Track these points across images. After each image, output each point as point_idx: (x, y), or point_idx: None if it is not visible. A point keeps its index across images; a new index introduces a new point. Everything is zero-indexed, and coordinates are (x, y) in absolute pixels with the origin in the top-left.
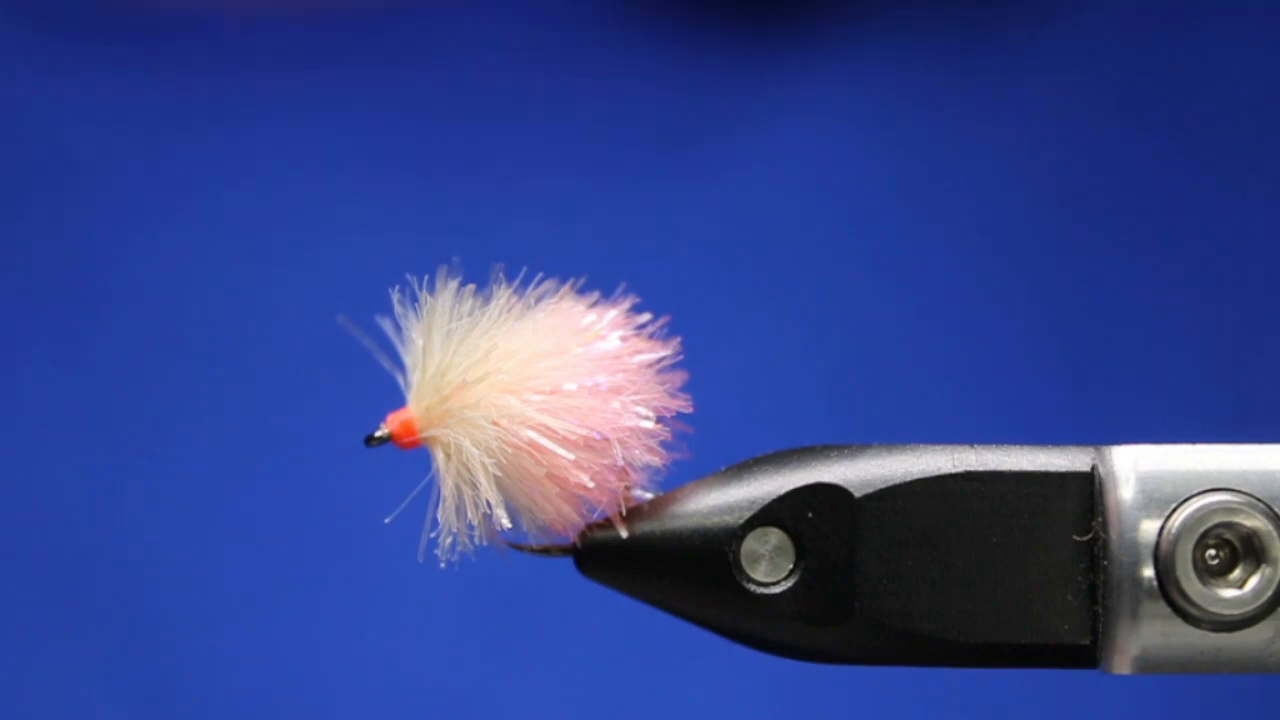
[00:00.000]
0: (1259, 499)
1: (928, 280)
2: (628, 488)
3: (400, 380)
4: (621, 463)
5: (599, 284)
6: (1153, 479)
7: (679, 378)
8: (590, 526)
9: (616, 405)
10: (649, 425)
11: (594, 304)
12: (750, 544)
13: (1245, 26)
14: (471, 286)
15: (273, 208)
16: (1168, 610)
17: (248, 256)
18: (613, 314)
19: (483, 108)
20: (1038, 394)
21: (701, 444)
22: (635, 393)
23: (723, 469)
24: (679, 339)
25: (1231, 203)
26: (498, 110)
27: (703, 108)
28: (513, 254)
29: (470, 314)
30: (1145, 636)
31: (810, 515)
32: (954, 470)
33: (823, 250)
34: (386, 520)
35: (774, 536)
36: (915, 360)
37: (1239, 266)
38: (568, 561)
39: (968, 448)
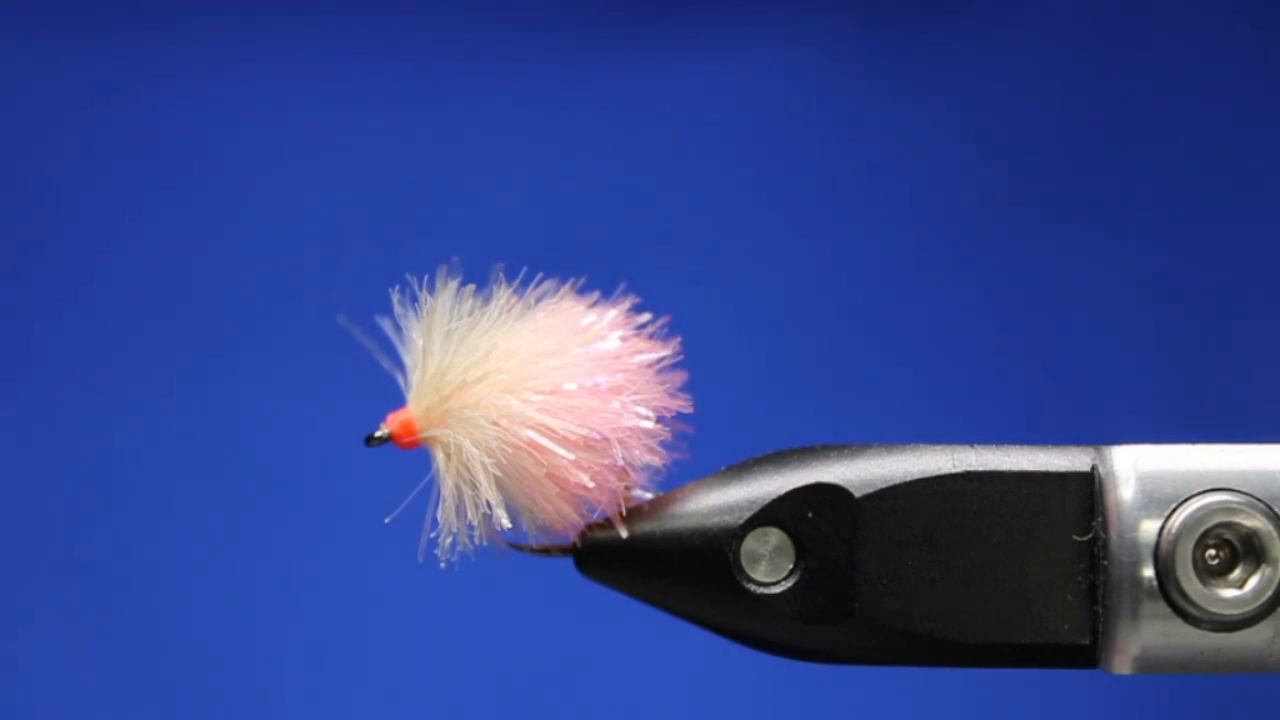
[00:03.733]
0: (1259, 499)
1: (930, 280)
2: (628, 488)
3: (400, 380)
4: (621, 463)
5: (598, 283)
6: (1153, 479)
7: (679, 378)
8: (590, 526)
9: (616, 405)
10: (649, 425)
11: (594, 304)
12: (750, 544)
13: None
14: (471, 286)
15: (271, 206)
16: (1168, 610)
17: (247, 256)
18: (613, 314)
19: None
20: (1038, 394)
21: (701, 444)
22: (635, 393)
23: (723, 469)
24: (679, 339)
25: (1233, 203)
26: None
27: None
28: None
29: (470, 314)
30: (1145, 636)
31: (810, 515)
32: (954, 470)
33: (823, 250)
34: (387, 520)
35: (774, 536)
36: (916, 360)
37: (1241, 267)
38: (568, 561)
39: (968, 448)
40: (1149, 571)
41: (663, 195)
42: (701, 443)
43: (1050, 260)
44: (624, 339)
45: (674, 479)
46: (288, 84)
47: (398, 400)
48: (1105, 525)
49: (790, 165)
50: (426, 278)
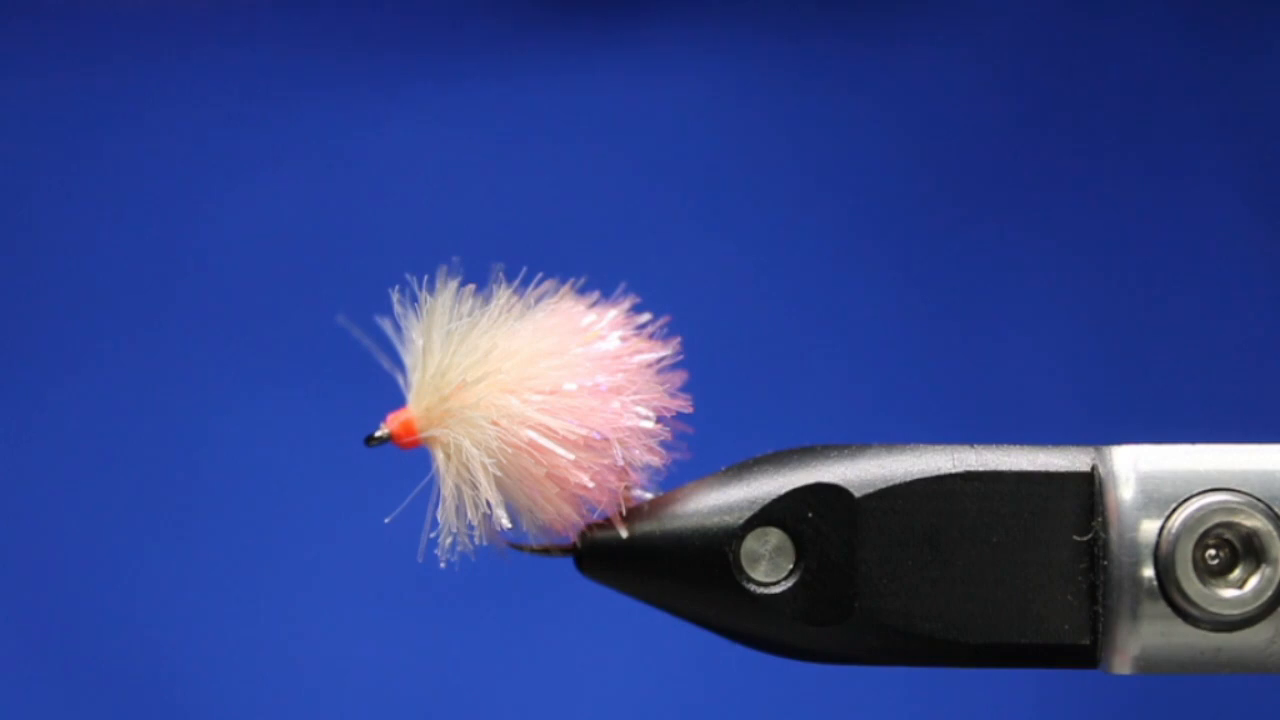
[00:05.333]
0: (1259, 499)
1: (930, 281)
2: (628, 488)
3: (400, 380)
4: (621, 463)
5: (597, 283)
6: (1153, 479)
7: (679, 378)
8: (590, 526)
9: (616, 405)
10: (649, 425)
11: (594, 304)
12: (750, 544)
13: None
14: (471, 286)
15: (269, 206)
16: (1168, 610)
17: (246, 256)
18: (613, 314)
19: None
20: (1038, 394)
21: (701, 444)
22: (635, 393)
23: (723, 469)
24: (679, 339)
25: (1234, 203)
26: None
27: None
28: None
29: (470, 314)
30: (1145, 636)
31: (810, 515)
32: (954, 470)
33: (824, 251)
34: (386, 520)
35: (774, 536)
36: (916, 360)
37: (1241, 267)
38: (568, 561)
39: (968, 448)
40: (1149, 571)
41: (664, 196)
42: (701, 443)
43: (1050, 260)
44: (624, 339)
45: (674, 479)
46: (281, 87)
47: (397, 400)
48: (1105, 525)
49: (793, 167)
50: (426, 278)
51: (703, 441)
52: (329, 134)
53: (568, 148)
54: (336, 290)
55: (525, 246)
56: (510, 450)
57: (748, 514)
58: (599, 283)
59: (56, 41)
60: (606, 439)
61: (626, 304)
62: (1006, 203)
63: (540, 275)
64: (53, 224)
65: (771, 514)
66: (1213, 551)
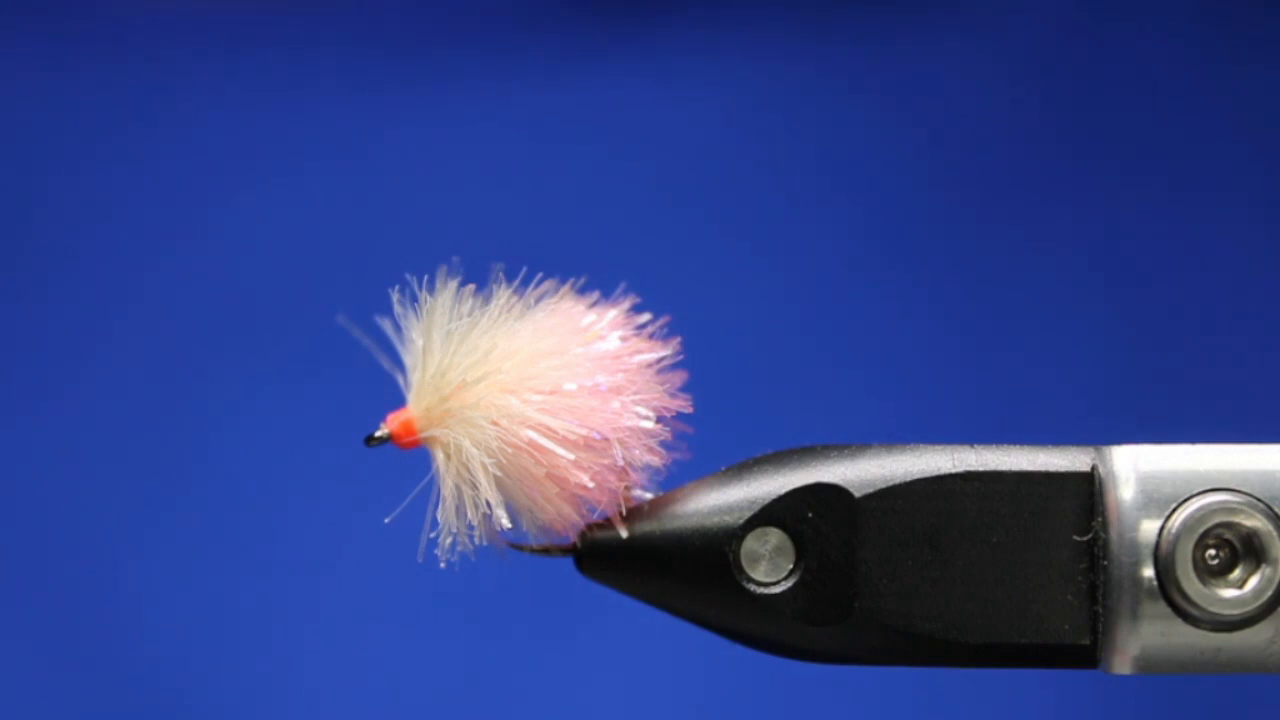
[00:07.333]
0: (1259, 499)
1: (930, 281)
2: (628, 488)
3: (400, 380)
4: (621, 463)
5: (597, 283)
6: (1153, 479)
7: (679, 378)
8: (590, 526)
9: (616, 405)
10: (649, 425)
11: (594, 304)
12: (750, 544)
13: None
14: (471, 286)
15: (269, 207)
16: (1168, 610)
17: (245, 257)
18: (613, 314)
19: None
20: (1038, 394)
21: (701, 444)
22: (635, 393)
23: (723, 469)
24: (679, 339)
25: (1234, 203)
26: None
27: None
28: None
29: (470, 314)
30: (1145, 636)
31: (810, 515)
32: (954, 470)
33: (823, 251)
34: (386, 520)
35: (774, 536)
36: (916, 360)
37: (1241, 267)
38: (568, 561)
39: (968, 448)
40: (1149, 571)
41: (664, 196)
42: (701, 443)
43: (1050, 260)
44: (624, 339)
45: (674, 479)
46: (279, 88)
47: (397, 400)
48: (1105, 525)
49: (794, 167)
50: (426, 278)
51: (703, 441)
52: (328, 135)
53: (568, 148)
54: (337, 290)
55: (525, 246)
56: (510, 450)
57: (748, 514)
58: (599, 283)
59: (69, 39)
60: (606, 439)
61: (626, 304)
62: (1007, 205)
63: (540, 275)
64: (55, 224)
65: (771, 514)
66: (1213, 551)
